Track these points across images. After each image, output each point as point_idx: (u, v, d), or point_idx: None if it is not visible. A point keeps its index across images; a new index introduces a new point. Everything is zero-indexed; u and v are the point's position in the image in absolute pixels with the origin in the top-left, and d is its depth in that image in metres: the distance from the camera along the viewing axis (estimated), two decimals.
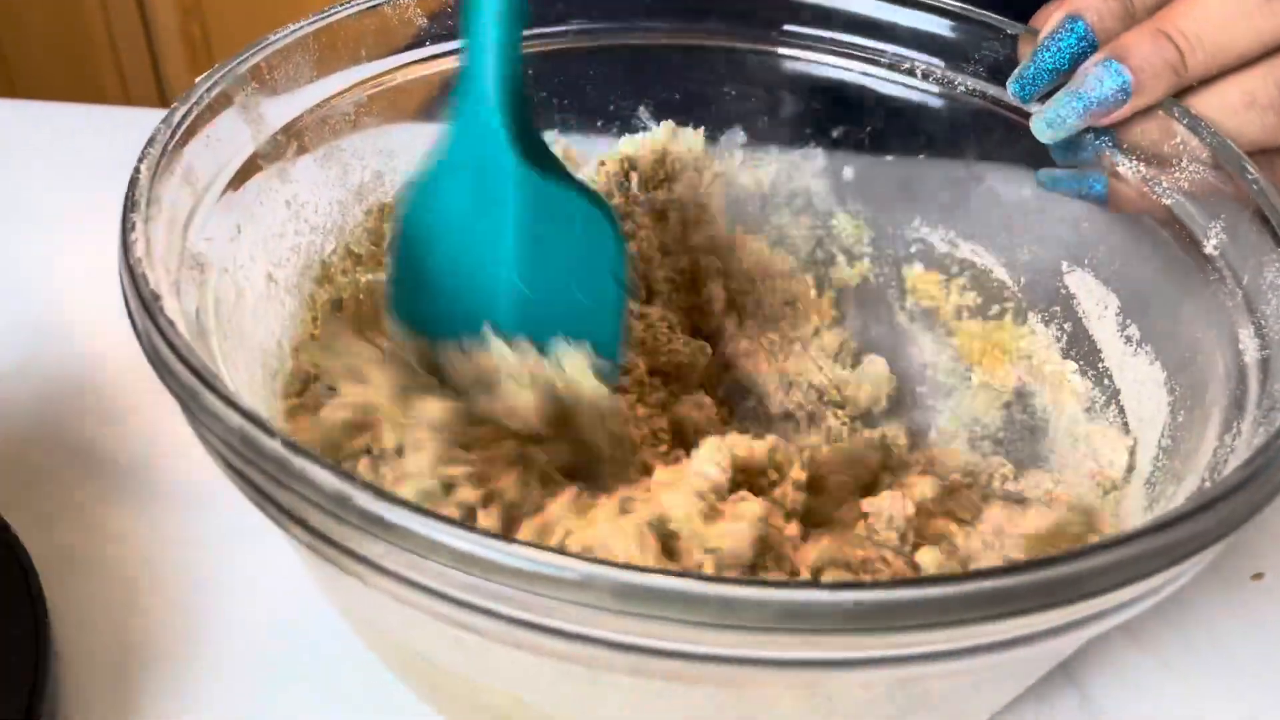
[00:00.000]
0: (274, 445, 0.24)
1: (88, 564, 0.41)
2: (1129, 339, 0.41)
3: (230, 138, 0.37)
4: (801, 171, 0.50)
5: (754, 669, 0.24)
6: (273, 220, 0.39)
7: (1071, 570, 0.24)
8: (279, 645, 0.39)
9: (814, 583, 0.22)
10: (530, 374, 0.35)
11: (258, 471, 0.25)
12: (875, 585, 0.22)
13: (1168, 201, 0.39)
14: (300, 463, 0.24)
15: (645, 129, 0.49)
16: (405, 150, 0.45)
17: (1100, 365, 0.42)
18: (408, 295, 0.37)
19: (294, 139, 0.40)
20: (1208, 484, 0.30)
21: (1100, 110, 0.39)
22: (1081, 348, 0.43)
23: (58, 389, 0.48)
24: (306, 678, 0.38)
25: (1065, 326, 0.44)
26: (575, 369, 0.35)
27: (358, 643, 0.38)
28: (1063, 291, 0.44)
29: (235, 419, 0.25)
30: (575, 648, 0.24)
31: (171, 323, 0.27)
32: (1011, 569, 0.23)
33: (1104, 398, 0.41)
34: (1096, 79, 0.38)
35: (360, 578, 0.25)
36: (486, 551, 0.23)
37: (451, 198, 0.36)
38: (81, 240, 0.53)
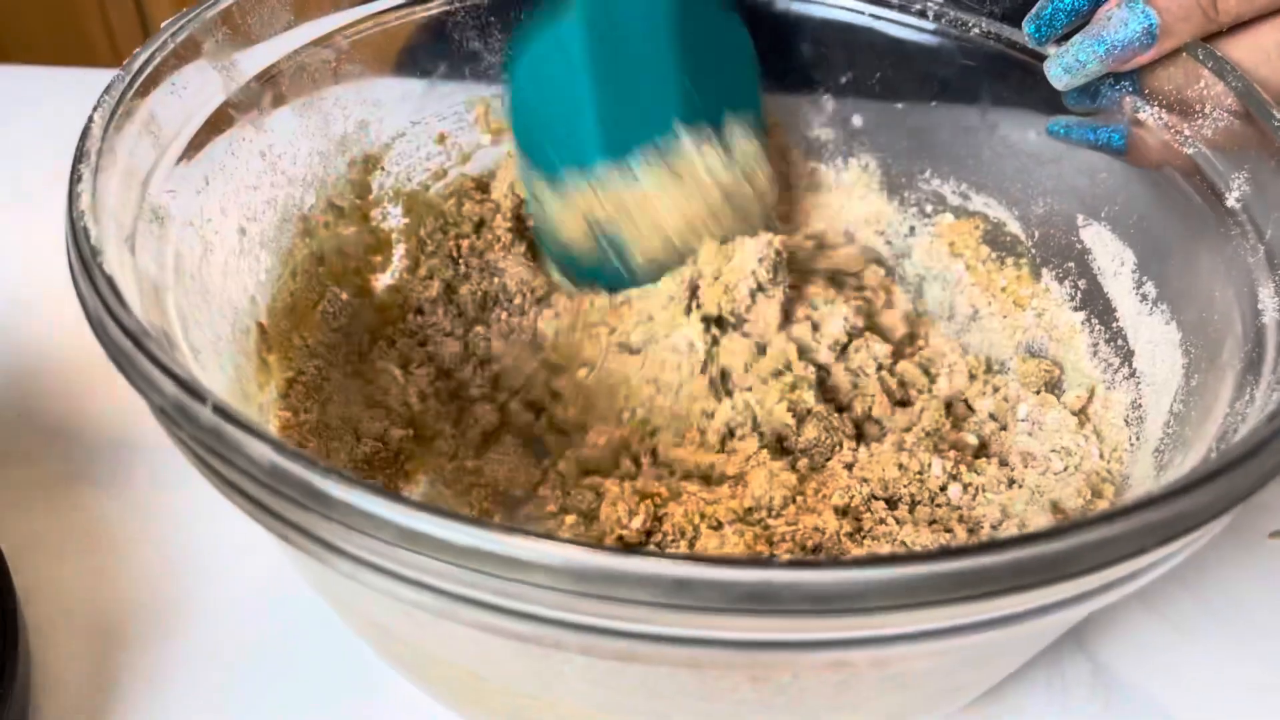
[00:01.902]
0: (207, 414, 0.23)
1: (59, 545, 0.40)
2: (1145, 296, 0.38)
3: (199, 86, 0.36)
4: (808, 120, 0.48)
5: (711, 649, 0.22)
6: (246, 172, 0.38)
7: (1067, 546, 0.22)
8: (257, 624, 0.38)
9: (775, 561, 0.21)
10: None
11: (193, 440, 0.24)
12: (845, 563, 0.21)
13: (1189, 151, 0.36)
14: (234, 433, 0.23)
15: None
16: (391, 99, 0.43)
17: (1114, 325, 0.40)
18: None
19: (269, 88, 0.39)
20: (1214, 453, 0.28)
21: (1123, 54, 0.36)
22: (1096, 306, 0.41)
23: (24, 363, 0.46)
24: (285, 656, 0.37)
25: (1080, 284, 0.42)
26: (744, 134, 0.42)
27: (336, 620, 0.36)
28: (1078, 246, 0.42)
29: (169, 386, 0.24)
30: (523, 626, 0.22)
31: (110, 280, 0.26)
32: (998, 545, 0.22)
33: (1118, 359, 0.39)
34: (1120, 20, 0.35)
35: (303, 550, 0.24)
36: (429, 527, 0.22)
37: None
38: (59, 208, 0.51)
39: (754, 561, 0.21)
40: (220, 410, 0.23)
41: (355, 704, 0.36)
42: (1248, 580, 0.40)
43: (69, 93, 0.61)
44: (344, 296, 0.42)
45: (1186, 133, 0.36)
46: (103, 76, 0.61)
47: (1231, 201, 0.34)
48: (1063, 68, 0.37)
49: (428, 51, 0.45)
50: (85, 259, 0.26)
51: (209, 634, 0.37)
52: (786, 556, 0.34)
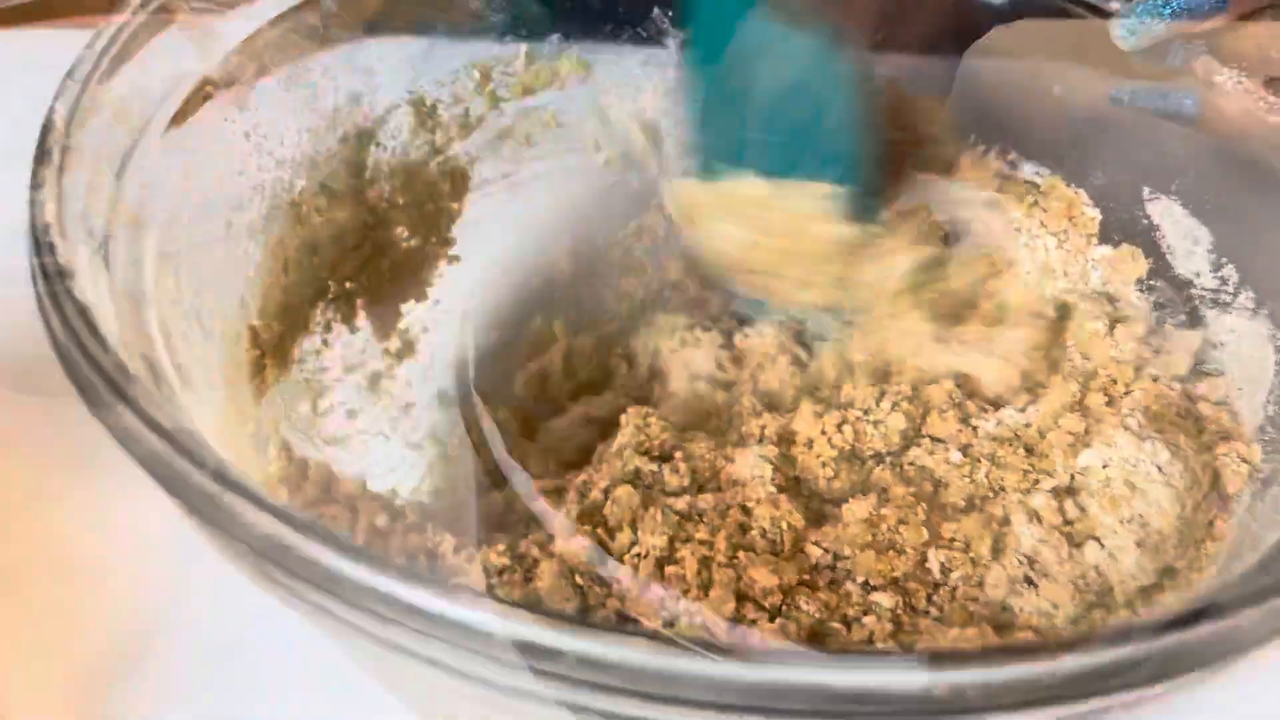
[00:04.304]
0: (201, 479, 0.20)
1: (29, 564, 0.36)
2: (1224, 280, 0.35)
3: (174, 62, 0.32)
4: None
5: None
6: (229, 156, 0.34)
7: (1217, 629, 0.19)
8: (242, 649, 0.35)
9: (878, 653, 0.18)
10: None
11: (186, 505, 0.20)
12: (953, 660, 0.18)
13: (1275, 119, 0.33)
14: (230, 500, 0.19)
15: (661, 36, 0.43)
16: (385, 66, 0.39)
17: (1189, 307, 0.36)
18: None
19: (252, 59, 0.35)
20: None
21: (1192, 18, 0.32)
22: (1165, 290, 0.37)
23: None
24: (275, 676, 0.34)
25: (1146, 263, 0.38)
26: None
27: (323, 640, 0.33)
28: (1144, 222, 0.38)
29: (155, 442, 0.20)
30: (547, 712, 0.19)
31: (84, 310, 0.22)
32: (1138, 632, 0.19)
33: (1194, 349, 0.36)
34: None
35: (301, 610, 0.21)
36: (470, 618, 0.18)
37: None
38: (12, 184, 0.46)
39: (851, 658, 0.18)
40: (220, 476, 0.19)
41: None
42: None
43: (25, 58, 0.56)
44: (342, 288, 0.38)
45: (1270, 97, 0.33)
46: (66, 36, 0.56)
47: None
48: (1127, 29, 0.34)
49: (422, 9, 0.41)
50: (53, 284, 0.23)
51: (196, 655, 0.35)
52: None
